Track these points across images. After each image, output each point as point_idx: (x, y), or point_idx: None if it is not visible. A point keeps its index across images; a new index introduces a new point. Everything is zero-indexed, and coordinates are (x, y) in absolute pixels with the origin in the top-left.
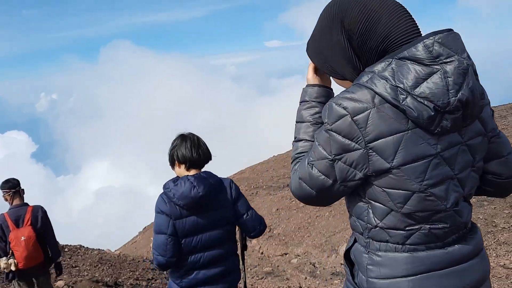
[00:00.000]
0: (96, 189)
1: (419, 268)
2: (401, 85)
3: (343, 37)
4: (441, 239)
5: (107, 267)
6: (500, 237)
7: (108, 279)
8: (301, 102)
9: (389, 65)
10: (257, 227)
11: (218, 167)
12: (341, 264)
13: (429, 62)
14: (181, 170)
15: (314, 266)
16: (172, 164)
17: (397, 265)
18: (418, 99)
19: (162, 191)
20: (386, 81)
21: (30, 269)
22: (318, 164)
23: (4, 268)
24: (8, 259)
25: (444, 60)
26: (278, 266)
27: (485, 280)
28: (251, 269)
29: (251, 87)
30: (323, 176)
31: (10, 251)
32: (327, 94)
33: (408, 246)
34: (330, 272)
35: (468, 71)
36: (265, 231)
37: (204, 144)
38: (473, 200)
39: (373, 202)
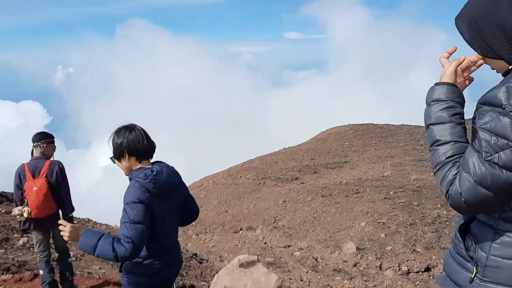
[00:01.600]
0: (105, 165)
1: None
2: None
3: (511, 15)
4: None
5: None
6: None
7: None
8: (434, 101)
9: None
10: (197, 208)
11: (227, 154)
12: (344, 261)
13: None
14: (131, 163)
15: (317, 260)
16: (119, 157)
17: None
18: None
19: (135, 181)
20: None
21: (44, 220)
22: (499, 157)
23: (18, 215)
24: (23, 207)
25: None
26: (280, 257)
27: None
28: None
29: (266, 78)
30: (506, 171)
31: (26, 200)
32: (462, 95)
33: None
34: (332, 268)
35: None
36: (270, 222)
37: (148, 134)
38: None
39: None
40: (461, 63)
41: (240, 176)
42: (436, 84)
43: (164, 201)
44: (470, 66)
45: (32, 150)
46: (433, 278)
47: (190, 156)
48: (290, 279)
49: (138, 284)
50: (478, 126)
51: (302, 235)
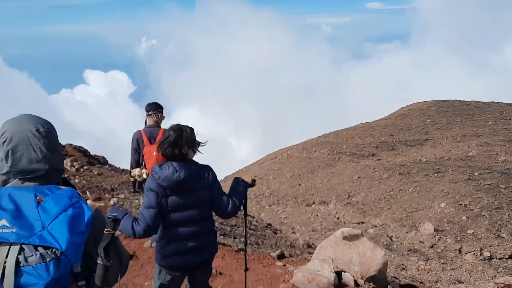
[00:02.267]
0: None
1: None
2: None
3: None
4: None
5: None
6: None
7: None
8: None
9: None
10: (226, 210)
11: (302, 127)
12: (420, 241)
13: None
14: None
15: (391, 239)
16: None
17: None
18: None
19: (150, 174)
20: None
21: None
22: None
23: (137, 176)
24: (141, 169)
25: None
26: None
27: None
28: (325, 232)
29: (345, 50)
30: None
31: (143, 163)
32: None
33: None
34: (407, 248)
35: None
36: (344, 197)
37: (190, 139)
38: None
39: None
40: None
41: (315, 150)
42: None
43: (173, 193)
44: None
45: (146, 118)
46: None
47: (265, 128)
48: (288, 254)
49: (157, 260)
50: None
51: (376, 212)
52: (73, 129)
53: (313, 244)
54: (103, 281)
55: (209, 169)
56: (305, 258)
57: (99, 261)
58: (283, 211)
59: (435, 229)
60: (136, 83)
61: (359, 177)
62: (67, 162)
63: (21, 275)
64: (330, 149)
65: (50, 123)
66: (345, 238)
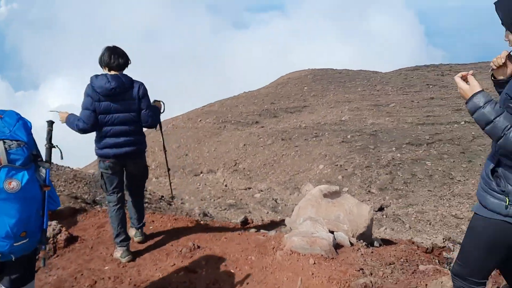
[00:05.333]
0: (56, 106)
1: None
2: None
3: None
4: None
5: (83, 185)
6: (455, 189)
7: (86, 196)
8: (480, 106)
9: None
10: (148, 120)
11: (186, 97)
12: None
13: None
14: (106, 71)
15: (276, 202)
16: (101, 66)
17: None
18: None
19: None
20: None
21: None
22: None
23: None
24: None
25: None
26: (241, 199)
27: None
28: (214, 200)
29: (225, 19)
30: None
31: None
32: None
33: None
34: (291, 209)
35: None
36: (231, 165)
37: (122, 54)
38: (434, 152)
39: None
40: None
41: (200, 120)
42: (477, 95)
43: (105, 100)
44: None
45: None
46: (386, 217)
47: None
48: (251, 219)
49: (95, 152)
50: None
51: (262, 177)
52: None
53: (208, 213)
54: (48, 157)
55: (140, 84)
56: (271, 221)
57: (45, 145)
58: (171, 183)
59: None
60: None
61: (244, 145)
62: None
63: (9, 155)
64: (215, 118)
65: None
66: (325, 196)
